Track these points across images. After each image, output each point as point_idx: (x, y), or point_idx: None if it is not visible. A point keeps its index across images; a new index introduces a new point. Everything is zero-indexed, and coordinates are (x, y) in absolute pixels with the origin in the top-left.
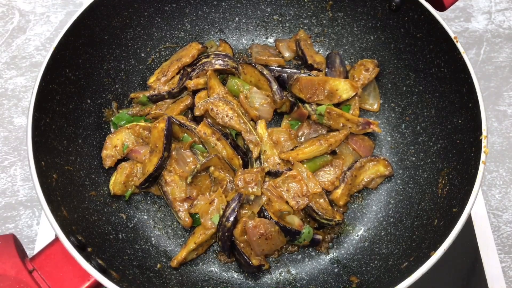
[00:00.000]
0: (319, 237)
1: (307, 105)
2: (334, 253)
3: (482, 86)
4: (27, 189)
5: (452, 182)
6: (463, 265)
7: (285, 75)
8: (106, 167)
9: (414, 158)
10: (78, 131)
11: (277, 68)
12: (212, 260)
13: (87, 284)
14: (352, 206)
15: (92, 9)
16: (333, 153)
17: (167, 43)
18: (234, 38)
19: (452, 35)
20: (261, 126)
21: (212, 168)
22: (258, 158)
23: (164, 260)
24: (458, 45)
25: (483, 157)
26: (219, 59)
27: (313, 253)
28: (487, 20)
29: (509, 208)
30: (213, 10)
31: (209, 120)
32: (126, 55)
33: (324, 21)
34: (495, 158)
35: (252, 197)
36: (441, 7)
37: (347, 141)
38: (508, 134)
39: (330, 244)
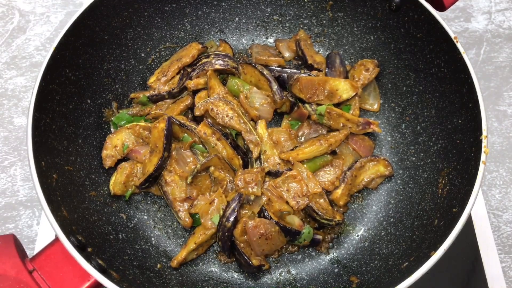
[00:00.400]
0: (319, 237)
1: (307, 105)
2: (334, 253)
3: (482, 86)
4: (27, 189)
5: (452, 182)
6: (463, 265)
7: (285, 75)
8: (106, 167)
9: (414, 158)
10: (78, 131)
11: (277, 68)
12: (212, 260)
13: (87, 284)
14: (352, 206)
15: (92, 9)
16: (333, 153)
17: (167, 43)
18: (234, 38)
19: (452, 35)
20: (261, 126)
21: (212, 168)
22: (258, 158)
23: (164, 260)
24: (458, 45)
25: (483, 157)
26: (219, 59)
27: (313, 253)
28: (487, 20)
29: (509, 208)
30: (213, 10)
31: (209, 120)
32: (126, 55)
33: (324, 21)
34: (495, 158)
35: (252, 197)
36: (441, 7)
37: (347, 141)
38: (508, 134)
39: (330, 244)
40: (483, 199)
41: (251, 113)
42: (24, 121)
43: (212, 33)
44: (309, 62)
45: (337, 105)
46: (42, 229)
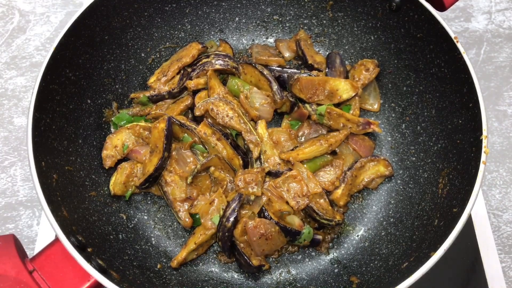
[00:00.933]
0: (319, 237)
1: (307, 105)
2: (334, 253)
3: (482, 86)
4: (27, 189)
5: (453, 182)
6: (463, 265)
7: (285, 75)
8: (106, 167)
9: (414, 158)
10: (78, 131)
11: (277, 68)
12: (212, 261)
13: (87, 284)
14: (352, 206)
15: (92, 9)
16: (333, 153)
17: (167, 43)
18: (234, 38)
19: (452, 35)
20: (261, 126)
21: (212, 168)
22: (259, 158)
23: (164, 260)
24: (458, 45)
25: (483, 157)
26: (219, 59)
27: (313, 253)
28: (487, 20)
29: (509, 208)
30: (213, 10)
31: (209, 120)
32: (126, 55)
33: (324, 21)
34: (495, 158)
35: (252, 197)
36: (441, 7)
37: (347, 141)
38: (508, 134)
39: (330, 244)
40: (483, 199)
41: (251, 113)
42: (24, 121)
43: (212, 33)
44: (309, 62)
45: (337, 105)
46: (42, 229)
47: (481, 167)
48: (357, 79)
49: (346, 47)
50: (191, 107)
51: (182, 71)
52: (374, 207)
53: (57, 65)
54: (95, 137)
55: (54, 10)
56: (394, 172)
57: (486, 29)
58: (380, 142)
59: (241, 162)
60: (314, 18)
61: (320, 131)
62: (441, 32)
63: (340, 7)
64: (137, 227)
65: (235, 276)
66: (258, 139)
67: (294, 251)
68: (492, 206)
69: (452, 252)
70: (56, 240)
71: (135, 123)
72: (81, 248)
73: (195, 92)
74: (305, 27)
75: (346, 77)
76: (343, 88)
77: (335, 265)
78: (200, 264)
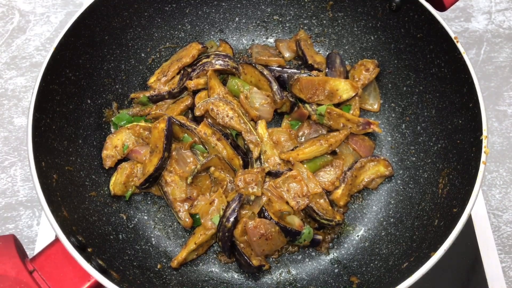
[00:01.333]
0: (319, 237)
1: (307, 105)
2: (335, 254)
3: (482, 86)
4: (27, 189)
5: (453, 182)
6: (463, 265)
7: (285, 75)
8: (106, 168)
9: (414, 158)
10: (79, 131)
11: (277, 68)
12: (213, 261)
13: (88, 284)
14: (353, 207)
15: (92, 9)
16: (334, 153)
17: (167, 43)
18: (234, 38)
19: (452, 35)
20: (261, 126)
21: (212, 169)
22: (259, 158)
23: (165, 260)
24: (459, 45)
25: (483, 157)
26: (219, 59)
27: (313, 254)
28: (487, 20)
29: (509, 208)
30: (213, 10)
31: (209, 120)
32: (126, 55)
33: (324, 21)
34: (495, 158)
35: (252, 198)
36: (441, 7)
37: (347, 141)
38: (508, 134)
39: (330, 244)
40: (483, 199)
41: (251, 113)
42: (24, 121)
43: (212, 33)
44: (309, 62)
45: (337, 105)
46: (42, 230)
47: (481, 167)
48: (357, 79)
49: (346, 47)
50: (191, 107)
51: (182, 71)
52: (374, 207)
53: (57, 65)
54: (95, 137)
55: (54, 10)
56: (394, 172)
57: (486, 29)
58: (380, 142)
59: (241, 162)
60: (314, 18)
61: (320, 131)
62: (441, 32)
63: (340, 7)
64: (137, 227)
65: (235, 276)
66: (258, 139)
67: (294, 251)
68: (492, 206)
69: (452, 252)
70: (56, 240)
71: (135, 123)
72: (81, 248)
73: (195, 92)
74: (305, 27)
75: (346, 77)
76: (343, 88)
77: (335, 265)
78: (200, 264)
